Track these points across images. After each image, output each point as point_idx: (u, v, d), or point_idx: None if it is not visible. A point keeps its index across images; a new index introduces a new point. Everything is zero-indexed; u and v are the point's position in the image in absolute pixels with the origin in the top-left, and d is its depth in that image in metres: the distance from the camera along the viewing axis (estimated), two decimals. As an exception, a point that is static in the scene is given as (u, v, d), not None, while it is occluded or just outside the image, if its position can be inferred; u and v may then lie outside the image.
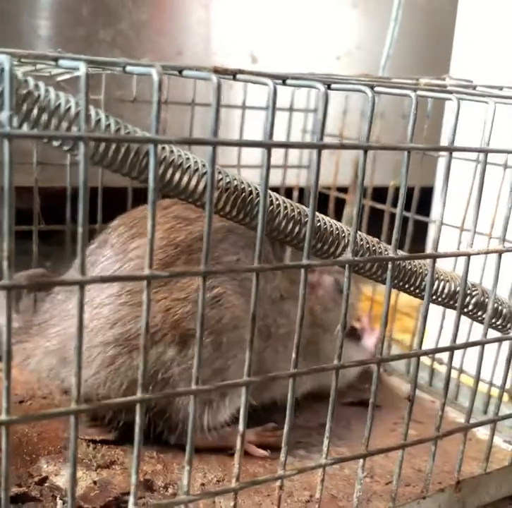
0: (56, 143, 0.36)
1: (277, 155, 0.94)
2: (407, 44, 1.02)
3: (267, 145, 0.38)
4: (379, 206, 0.84)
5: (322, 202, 0.87)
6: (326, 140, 0.87)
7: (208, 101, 0.82)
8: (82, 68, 0.32)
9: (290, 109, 0.89)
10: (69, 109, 0.35)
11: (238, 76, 0.40)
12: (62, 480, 0.54)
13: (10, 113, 0.31)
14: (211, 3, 0.99)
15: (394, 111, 0.82)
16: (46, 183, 0.78)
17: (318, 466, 0.47)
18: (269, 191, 0.43)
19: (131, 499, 0.40)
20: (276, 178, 0.85)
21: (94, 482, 0.54)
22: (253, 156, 0.90)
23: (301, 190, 0.95)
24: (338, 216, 0.87)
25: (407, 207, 0.78)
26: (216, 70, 0.39)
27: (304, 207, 0.46)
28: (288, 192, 0.91)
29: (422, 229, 0.91)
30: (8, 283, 0.32)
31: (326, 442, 0.46)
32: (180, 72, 0.39)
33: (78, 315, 0.35)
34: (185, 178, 0.40)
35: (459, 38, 0.90)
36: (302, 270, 0.42)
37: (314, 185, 0.41)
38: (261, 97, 0.83)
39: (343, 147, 0.40)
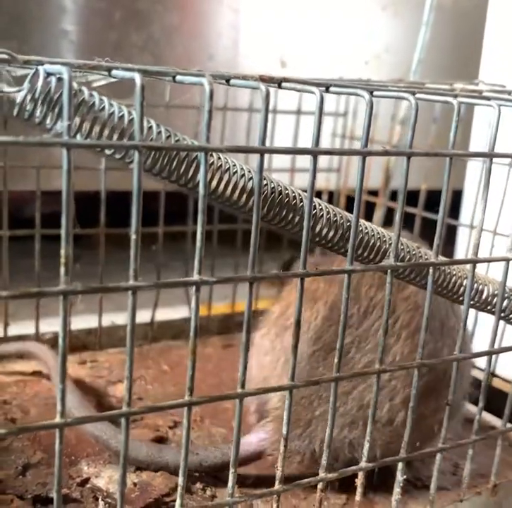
0: (108, 151, 0.36)
1: (307, 158, 0.95)
2: (435, 47, 1.02)
3: (314, 152, 0.39)
4: (411, 210, 0.84)
5: (352, 206, 0.88)
6: (356, 143, 0.88)
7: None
8: (137, 80, 0.33)
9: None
10: (122, 117, 0.36)
11: (284, 84, 0.41)
12: (102, 482, 0.55)
13: (68, 122, 0.31)
14: (241, 8, 1.00)
15: (424, 114, 0.82)
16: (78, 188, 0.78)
17: (358, 469, 0.47)
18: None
19: (178, 501, 0.40)
20: (305, 182, 0.86)
21: (134, 484, 0.55)
22: (281, 160, 0.90)
23: (331, 194, 0.96)
24: (369, 220, 0.88)
25: (435, 210, 0.79)
26: (263, 79, 0.40)
27: (345, 212, 0.46)
28: (317, 195, 0.91)
29: (449, 231, 0.91)
30: (65, 289, 0.33)
31: (366, 445, 0.47)
32: (227, 81, 0.40)
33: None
34: (231, 185, 0.41)
35: (489, 42, 0.90)
36: (346, 276, 0.42)
37: (358, 192, 0.41)
38: (285, 102, 0.84)
39: (387, 153, 0.40)
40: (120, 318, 0.86)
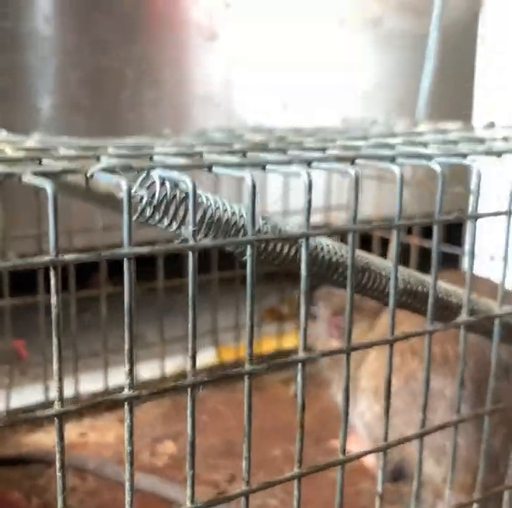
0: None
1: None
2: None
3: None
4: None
5: (366, 242, 0.90)
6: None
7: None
8: (248, 179, 0.35)
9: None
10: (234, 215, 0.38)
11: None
12: None
13: (194, 228, 0.33)
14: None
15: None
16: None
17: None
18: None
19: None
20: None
21: None
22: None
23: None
24: (384, 254, 0.90)
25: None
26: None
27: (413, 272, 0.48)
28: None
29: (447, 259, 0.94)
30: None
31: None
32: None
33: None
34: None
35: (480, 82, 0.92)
36: (427, 336, 0.44)
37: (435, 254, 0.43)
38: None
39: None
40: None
